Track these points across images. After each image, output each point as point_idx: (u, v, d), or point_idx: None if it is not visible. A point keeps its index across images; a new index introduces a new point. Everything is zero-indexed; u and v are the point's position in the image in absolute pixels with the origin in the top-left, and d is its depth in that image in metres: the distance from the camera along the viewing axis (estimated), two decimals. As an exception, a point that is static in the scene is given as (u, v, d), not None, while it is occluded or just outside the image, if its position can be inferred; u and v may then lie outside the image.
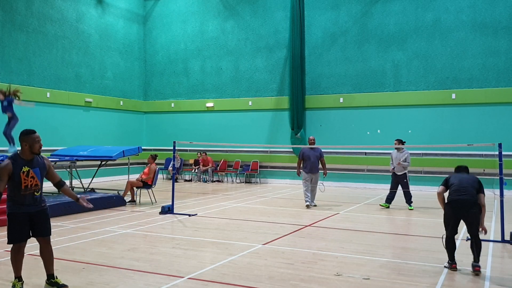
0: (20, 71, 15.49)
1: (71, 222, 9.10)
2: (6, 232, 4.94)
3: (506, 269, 6.08)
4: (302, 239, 7.77)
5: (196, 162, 19.26)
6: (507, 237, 7.50)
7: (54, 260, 5.27)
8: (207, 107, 19.71)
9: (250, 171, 18.57)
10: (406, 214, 10.73)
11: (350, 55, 17.23)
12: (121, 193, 12.24)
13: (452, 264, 5.81)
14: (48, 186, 6.09)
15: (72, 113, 17.31)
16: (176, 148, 10.67)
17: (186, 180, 19.42)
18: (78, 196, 5.24)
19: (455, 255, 5.86)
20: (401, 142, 11.52)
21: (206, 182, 18.76)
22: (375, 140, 16.39)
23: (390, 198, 11.64)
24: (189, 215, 10.06)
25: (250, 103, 18.85)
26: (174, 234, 8.11)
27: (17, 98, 11.01)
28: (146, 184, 12.01)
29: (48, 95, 16.28)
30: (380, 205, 11.68)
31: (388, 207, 11.60)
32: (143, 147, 16.51)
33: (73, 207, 10.24)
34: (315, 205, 11.80)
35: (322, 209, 11.36)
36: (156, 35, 20.85)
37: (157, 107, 20.86)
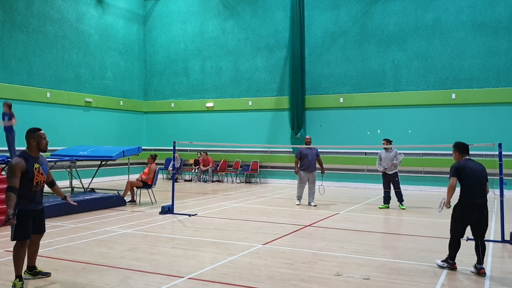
0: (20, 71, 15.49)
1: (71, 222, 9.10)
2: (12, 229, 4.98)
3: (506, 269, 6.08)
4: (302, 239, 7.76)
5: (196, 162, 19.26)
6: (507, 237, 7.50)
7: (54, 260, 5.29)
8: (207, 107, 19.71)
9: (250, 171, 18.57)
10: (406, 214, 10.73)
11: (350, 55, 17.23)
12: (121, 193, 12.24)
13: (453, 264, 5.77)
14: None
15: (72, 113, 17.31)
16: (176, 148, 10.67)
17: (186, 180, 19.42)
18: (65, 194, 5.60)
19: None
20: (389, 141, 11.55)
21: (206, 182, 18.76)
22: (375, 140, 16.38)
23: (387, 198, 11.64)
24: (189, 215, 10.06)
25: (250, 103, 18.85)
26: (174, 234, 8.11)
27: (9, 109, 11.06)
28: (146, 184, 12.01)
29: (48, 95, 16.28)
30: (379, 207, 11.66)
31: (388, 207, 11.60)
32: (143, 147, 16.52)
33: (73, 207, 10.24)
34: (315, 205, 11.82)
35: (322, 209, 11.36)
36: (156, 35, 20.85)
37: (157, 107, 20.86)
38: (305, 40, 17.86)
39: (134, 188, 12.10)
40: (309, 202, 11.95)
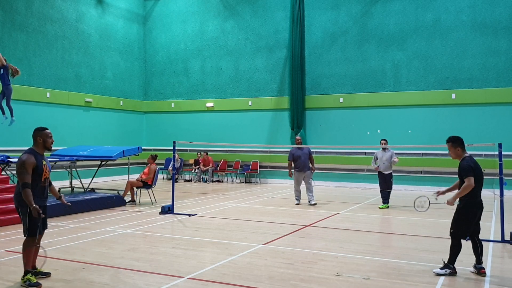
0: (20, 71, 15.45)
1: (71, 222, 9.10)
2: (25, 225, 5.11)
3: (506, 269, 6.08)
4: (302, 239, 7.76)
5: (196, 162, 19.26)
6: (507, 237, 7.50)
7: (54, 260, 5.30)
8: (207, 107, 19.71)
9: (250, 171, 18.57)
10: (406, 214, 10.73)
11: (350, 55, 17.23)
12: (121, 193, 12.24)
13: (454, 269, 5.63)
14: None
15: (72, 113, 17.31)
16: (176, 148, 10.67)
17: (186, 180, 19.42)
18: (60, 195, 5.89)
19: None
20: (386, 142, 11.75)
21: (206, 182, 18.76)
22: (375, 140, 16.38)
23: (385, 197, 11.71)
24: (189, 215, 10.06)
25: (250, 103, 18.85)
26: (174, 234, 8.11)
27: (12, 73, 10.85)
28: (146, 184, 12.01)
29: (48, 95, 16.28)
30: (379, 207, 11.69)
31: (388, 207, 11.62)
32: (143, 147, 16.51)
33: (73, 207, 10.24)
34: (314, 204, 11.90)
35: (322, 209, 11.36)
36: (156, 35, 20.85)
37: (157, 107, 20.86)
38: (305, 40, 17.86)
39: (134, 188, 12.10)
40: (309, 201, 12.03)
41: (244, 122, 18.92)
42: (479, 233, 5.75)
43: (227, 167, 19.20)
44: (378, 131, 16.56)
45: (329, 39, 17.58)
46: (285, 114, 18.09)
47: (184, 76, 20.28)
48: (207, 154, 18.97)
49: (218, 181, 19.14)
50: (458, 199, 5.73)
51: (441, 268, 5.63)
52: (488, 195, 13.71)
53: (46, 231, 5.51)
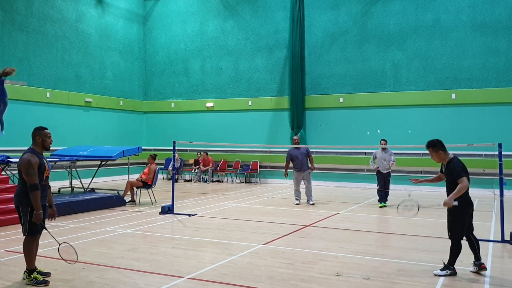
0: (20, 71, 15.42)
1: (71, 222, 9.10)
2: (26, 225, 5.11)
3: (506, 269, 6.08)
4: (302, 239, 7.76)
5: (196, 162, 19.27)
6: (507, 237, 7.50)
7: (54, 260, 5.30)
8: (207, 107, 19.71)
9: (250, 171, 18.57)
10: (406, 214, 10.70)
11: (350, 55, 17.23)
12: (121, 193, 12.24)
13: (455, 269, 5.62)
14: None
15: (72, 113, 17.31)
16: (176, 148, 10.67)
17: (186, 180, 19.42)
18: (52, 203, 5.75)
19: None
20: (386, 142, 11.99)
21: (206, 182, 18.76)
22: (375, 140, 16.38)
23: (384, 196, 11.84)
24: (189, 215, 10.06)
25: (250, 103, 18.85)
26: (174, 234, 8.11)
27: (5, 75, 10.23)
28: (146, 184, 12.01)
29: (48, 95, 16.29)
30: (379, 206, 11.77)
31: (386, 205, 11.70)
32: (143, 147, 16.51)
33: (73, 207, 10.26)
34: (312, 204, 11.98)
35: (322, 209, 11.36)
36: (156, 35, 20.85)
37: (157, 107, 20.86)
38: (305, 40, 17.86)
39: (134, 188, 12.10)
40: (307, 201, 12.13)
41: (244, 122, 18.92)
42: (473, 231, 5.77)
43: (227, 167, 19.20)
44: (378, 131, 16.56)
45: (329, 39, 17.58)
46: (285, 114, 18.09)
47: (184, 76, 20.28)
48: (207, 154, 18.97)
49: (218, 181, 19.14)
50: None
51: (442, 269, 5.62)
52: (488, 195, 13.79)
53: (45, 230, 5.50)
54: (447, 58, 15.82)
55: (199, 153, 19.30)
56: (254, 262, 6.14)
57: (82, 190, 13.32)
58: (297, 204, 12.03)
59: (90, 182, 14.06)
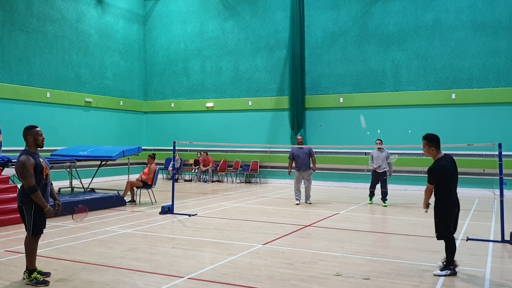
0: (20, 71, 15.49)
1: (71, 222, 9.10)
2: (29, 225, 5.11)
3: (506, 269, 6.07)
4: (302, 239, 7.76)
5: (196, 162, 19.26)
6: (507, 237, 7.50)
7: (54, 260, 5.30)
8: (207, 107, 19.71)
9: (250, 171, 18.57)
10: (406, 214, 10.73)
11: (350, 55, 17.23)
12: (121, 193, 12.24)
13: (454, 269, 5.62)
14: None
15: (72, 113, 17.31)
16: (176, 148, 10.67)
17: (186, 180, 19.42)
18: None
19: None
20: (381, 142, 12.44)
21: (206, 182, 18.76)
22: (375, 140, 16.38)
23: (372, 194, 12.35)
24: (189, 215, 10.06)
25: (250, 103, 18.85)
26: (174, 234, 8.11)
27: None
28: (146, 184, 12.01)
29: (48, 95, 16.28)
30: (368, 203, 12.32)
31: (372, 203, 12.31)
32: (143, 147, 16.52)
33: (73, 207, 10.23)
34: (309, 203, 12.10)
35: (322, 209, 11.37)
36: (156, 35, 20.85)
37: (157, 107, 20.86)
38: (305, 40, 17.86)
39: (134, 188, 12.10)
40: (305, 200, 12.24)
41: (244, 122, 18.92)
42: (454, 232, 5.78)
43: (227, 167, 19.20)
44: (378, 131, 16.56)
45: (329, 39, 17.57)
46: (285, 114, 18.09)
47: (184, 76, 20.28)
48: (207, 154, 18.97)
49: (218, 181, 19.14)
50: (434, 201, 5.79)
51: (441, 270, 5.63)
52: (488, 195, 13.78)
53: (45, 230, 5.51)
54: (447, 58, 15.81)
55: (199, 153, 19.30)
56: (254, 262, 6.14)
57: (82, 190, 13.31)
58: (297, 204, 12.06)
59: (90, 182, 14.06)
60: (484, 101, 15.26)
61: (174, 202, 10.62)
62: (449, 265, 5.64)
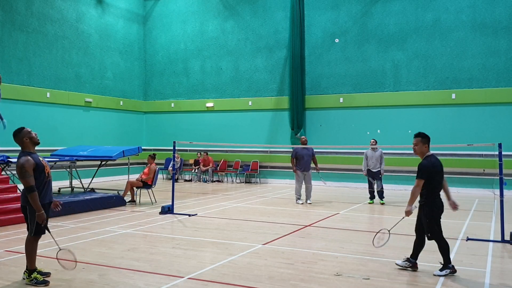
0: (20, 71, 15.49)
1: (71, 222, 9.10)
2: (32, 225, 5.12)
3: (506, 269, 6.07)
4: (302, 239, 7.76)
5: (196, 162, 19.27)
6: (507, 237, 7.50)
7: (54, 260, 5.29)
8: (207, 107, 19.71)
9: (250, 171, 18.56)
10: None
11: (350, 55, 17.23)
12: (121, 193, 12.24)
13: (453, 267, 5.62)
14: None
15: (72, 113, 17.31)
16: (176, 148, 10.67)
17: (186, 180, 19.42)
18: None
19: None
20: (376, 142, 12.74)
21: (206, 182, 18.76)
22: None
23: (380, 194, 12.49)
24: (189, 215, 10.06)
25: (250, 103, 18.85)
26: (174, 234, 8.11)
27: None
28: (146, 184, 12.01)
29: (48, 95, 16.28)
30: (368, 203, 12.45)
31: (373, 202, 12.50)
32: (143, 147, 16.51)
33: (73, 207, 10.26)
34: (310, 203, 12.16)
35: (322, 209, 11.37)
36: (156, 35, 20.85)
37: (157, 107, 20.86)
38: (305, 40, 17.86)
39: (134, 188, 12.11)
40: (306, 200, 12.33)
41: (244, 122, 18.92)
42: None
43: (227, 167, 19.20)
44: (378, 131, 16.56)
45: (329, 39, 17.57)
46: (285, 114, 18.08)
47: (184, 76, 20.27)
48: (207, 154, 18.97)
49: (218, 181, 19.14)
50: (420, 200, 5.73)
51: (441, 270, 5.62)
52: (488, 195, 13.78)
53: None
54: (447, 58, 15.81)
55: (199, 153, 19.30)
56: (254, 262, 6.14)
57: (82, 190, 13.32)
58: (300, 204, 12.13)
59: (90, 182, 14.06)
60: (484, 101, 15.26)
61: (174, 202, 10.62)
62: (448, 263, 5.63)
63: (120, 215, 10.12)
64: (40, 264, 5.59)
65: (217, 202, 12.44)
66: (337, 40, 16.82)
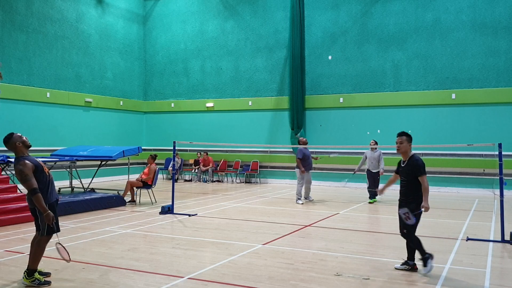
0: (20, 71, 15.49)
1: (71, 222, 9.10)
2: (43, 225, 5.13)
3: (506, 269, 6.07)
4: (302, 239, 7.76)
5: (196, 162, 19.27)
6: (507, 237, 7.50)
7: (54, 260, 5.29)
8: (207, 107, 19.71)
9: (250, 171, 18.57)
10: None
11: (350, 55, 17.23)
12: (121, 193, 12.24)
13: (431, 255, 5.58)
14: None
15: (72, 113, 17.31)
16: (176, 148, 10.67)
17: (186, 180, 19.42)
18: None
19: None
20: (376, 143, 12.91)
21: (206, 182, 18.76)
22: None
23: (373, 194, 12.65)
24: (189, 215, 10.06)
25: (250, 103, 18.85)
26: (174, 234, 8.11)
27: None
28: (146, 184, 12.01)
29: (48, 95, 16.28)
30: (369, 202, 12.56)
31: (376, 200, 12.65)
32: (143, 147, 16.53)
33: (73, 207, 10.26)
34: (312, 200, 12.55)
35: (322, 209, 11.37)
36: (156, 35, 20.85)
37: (157, 107, 20.86)
38: (305, 40, 17.85)
39: (134, 188, 12.10)
40: (308, 198, 12.69)
41: (244, 122, 18.92)
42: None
43: (227, 167, 19.20)
44: (378, 131, 16.56)
45: (329, 39, 17.57)
46: (285, 114, 18.09)
47: (184, 76, 20.28)
48: (207, 154, 18.97)
49: (218, 181, 19.14)
50: (403, 198, 5.78)
51: (424, 266, 5.60)
52: (488, 195, 13.78)
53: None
54: (447, 58, 15.81)
55: (199, 153, 19.30)
56: (254, 262, 6.14)
57: (82, 190, 13.32)
58: (300, 203, 12.20)
59: (90, 182, 14.07)
60: (484, 101, 15.26)
61: (174, 202, 10.63)
62: (423, 254, 5.60)
63: (120, 215, 10.12)
64: (40, 264, 5.59)
65: (217, 202, 12.44)
66: (330, 57, 16.90)
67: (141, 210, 10.87)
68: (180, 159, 19.38)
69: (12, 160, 10.34)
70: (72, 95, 17.32)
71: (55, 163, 12.46)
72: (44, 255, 6.17)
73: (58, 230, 5.29)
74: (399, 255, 6.62)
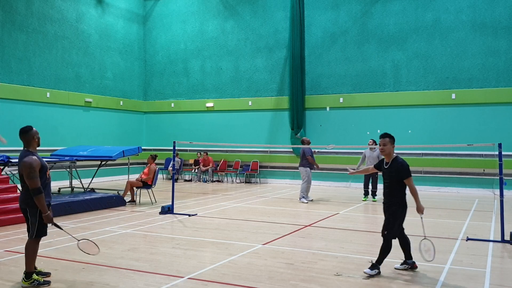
0: (20, 71, 15.49)
1: (71, 222, 9.10)
2: (34, 227, 5.08)
3: (506, 269, 6.07)
4: (302, 239, 7.76)
5: (196, 162, 19.27)
6: (507, 237, 7.50)
7: (54, 260, 5.29)
8: (207, 107, 19.71)
9: (250, 171, 18.57)
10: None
11: (350, 55, 17.23)
12: (121, 193, 12.24)
13: (379, 269, 5.60)
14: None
15: (72, 113, 17.31)
16: (176, 148, 10.67)
17: (186, 180, 19.42)
18: None
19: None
20: (375, 142, 12.94)
21: (206, 182, 18.76)
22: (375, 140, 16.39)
23: (367, 192, 13.00)
24: (189, 215, 10.06)
25: (250, 103, 18.85)
26: (174, 234, 8.11)
27: None
28: (146, 184, 12.01)
29: (48, 95, 16.28)
30: (362, 200, 12.89)
31: (367, 199, 12.93)
32: (143, 147, 16.53)
33: (73, 207, 10.26)
34: (311, 200, 12.69)
35: (322, 209, 11.37)
36: (156, 35, 20.85)
37: (157, 107, 20.86)
38: (305, 40, 17.86)
39: (134, 188, 12.10)
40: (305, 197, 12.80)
41: (244, 122, 18.92)
42: (404, 230, 5.84)
43: (227, 167, 19.20)
44: (378, 131, 16.54)
45: (329, 39, 17.58)
46: (285, 114, 18.09)
47: (184, 76, 20.28)
48: (207, 154, 18.97)
49: (218, 181, 19.14)
50: (387, 201, 5.77)
51: (371, 269, 5.58)
52: (488, 195, 13.78)
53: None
54: (447, 58, 15.82)
55: (199, 153, 19.30)
56: (254, 262, 6.14)
57: (82, 190, 13.32)
58: (305, 202, 12.37)
59: (90, 182, 14.07)
60: (484, 101, 15.26)
61: (174, 202, 10.63)
62: (379, 263, 5.62)
63: (120, 215, 10.12)
64: (40, 264, 5.59)
65: (217, 202, 12.44)
66: (328, 109, 17.02)
67: (141, 210, 10.87)
68: (180, 159, 19.38)
69: (13, 160, 10.33)
70: (72, 95, 17.32)
71: (55, 163, 12.46)
72: (44, 255, 6.18)
73: (45, 234, 5.21)
74: (399, 255, 6.61)
